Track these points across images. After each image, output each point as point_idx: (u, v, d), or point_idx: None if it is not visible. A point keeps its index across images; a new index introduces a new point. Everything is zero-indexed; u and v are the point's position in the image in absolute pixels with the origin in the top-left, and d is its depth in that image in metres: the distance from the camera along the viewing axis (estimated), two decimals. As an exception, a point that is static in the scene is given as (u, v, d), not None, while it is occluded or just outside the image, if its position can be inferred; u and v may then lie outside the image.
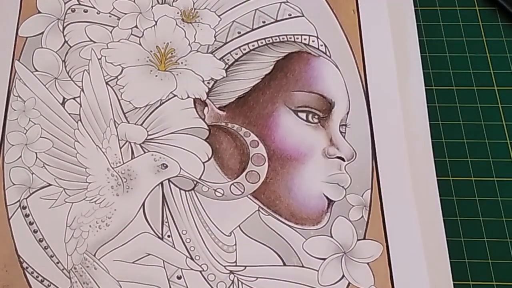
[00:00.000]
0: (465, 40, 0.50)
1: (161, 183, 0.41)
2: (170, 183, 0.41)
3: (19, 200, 0.41)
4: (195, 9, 0.47)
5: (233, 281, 0.39)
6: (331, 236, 0.40)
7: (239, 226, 0.40)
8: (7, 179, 0.42)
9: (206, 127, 0.43)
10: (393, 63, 0.45)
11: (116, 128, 0.43)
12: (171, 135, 0.43)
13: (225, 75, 0.45)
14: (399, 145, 0.42)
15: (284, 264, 0.39)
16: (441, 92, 0.47)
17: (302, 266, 0.39)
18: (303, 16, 0.47)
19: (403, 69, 0.45)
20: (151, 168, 0.42)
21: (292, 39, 0.46)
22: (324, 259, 0.39)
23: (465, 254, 0.42)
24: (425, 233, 0.40)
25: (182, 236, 0.40)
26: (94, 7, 0.48)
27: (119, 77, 0.45)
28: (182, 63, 0.45)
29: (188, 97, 0.44)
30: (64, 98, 0.44)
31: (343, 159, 0.42)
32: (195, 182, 0.41)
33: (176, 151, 0.42)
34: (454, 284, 0.38)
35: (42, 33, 0.47)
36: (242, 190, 0.41)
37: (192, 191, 0.41)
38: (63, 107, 0.44)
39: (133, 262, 0.39)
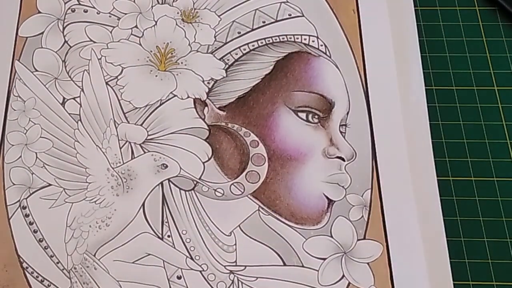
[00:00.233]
0: (465, 40, 0.50)
1: (161, 183, 0.41)
2: (170, 183, 0.41)
3: (19, 200, 0.41)
4: (195, 9, 0.47)
5: (233, 281, 0.39)
6: (331, 236, 0.40)
7: (239, 226, 0.40)
8: (7, 179, 0.42)
9: (206, 127, 0.43)
10: (393, 63, 0.45)
11: (116, 128, 0.43)
12: (171, 135, 0.43)
13: (225, 75, 0.45)
14: (399, 145, 0.42)
15: (284, 264, 0.39)
16: (441, 92, 0.47)
17: (302, 266, 0.39)
18: (303, 16, 0.47)
19: (403, 69, 0.45)
20: (151, 168, 0.42)
21: (292, 39, 0.46)
22: (324, 259, 0.39)
23: (465, 254, 0.42)
24: (425, 233, 0.40)
25: (182, 236, 0.40)
26: (94, 7, 0.48)
27: (119, 77, 0.45)
28: (182, 63, 0.45)
29: (188, 97, 0.44)
30: (64, 98, 0.44)
31: (343, 159, 0.42)
32: (195, 182, 0.41)
33: (176, 151, 0.42)
34: (454, 284, 0.38)
35: (42, 33, 0.46)
36: (242, 190, 0.41)
37: (192, 191, 0.41)
38: (63, 107, 0.44)
39: (133, 262, 0.39)
